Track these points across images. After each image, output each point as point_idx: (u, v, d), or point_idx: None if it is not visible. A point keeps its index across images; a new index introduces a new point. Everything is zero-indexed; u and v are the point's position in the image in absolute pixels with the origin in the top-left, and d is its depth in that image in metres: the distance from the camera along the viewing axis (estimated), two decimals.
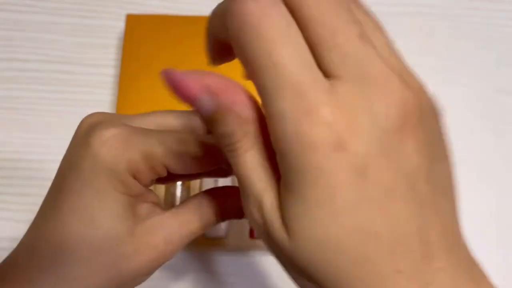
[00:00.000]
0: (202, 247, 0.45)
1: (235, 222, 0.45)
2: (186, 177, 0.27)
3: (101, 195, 0.22)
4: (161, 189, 0.45)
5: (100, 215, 0.22)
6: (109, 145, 0.21)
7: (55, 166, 0.42)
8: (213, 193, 0.24)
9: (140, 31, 0.49)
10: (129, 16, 0.50)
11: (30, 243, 0.23)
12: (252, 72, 0.15)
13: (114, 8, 0.55)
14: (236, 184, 0.19)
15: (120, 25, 0.52)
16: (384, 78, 0.16)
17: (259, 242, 0.45)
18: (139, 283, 0.24)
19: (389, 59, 0.17)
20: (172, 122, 0.25)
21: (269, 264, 0.46)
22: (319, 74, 0.16)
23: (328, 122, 0.15)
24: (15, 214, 0.46)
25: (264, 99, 0.15)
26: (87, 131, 0.23)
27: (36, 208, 0.29)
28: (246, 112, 0.17)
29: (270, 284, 0.45)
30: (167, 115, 0.25)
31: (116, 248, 0.22)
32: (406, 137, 0.16)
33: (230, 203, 0.24)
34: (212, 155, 0.22)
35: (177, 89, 0.17)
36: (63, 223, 0.22)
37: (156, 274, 0.44)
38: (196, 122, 0.25)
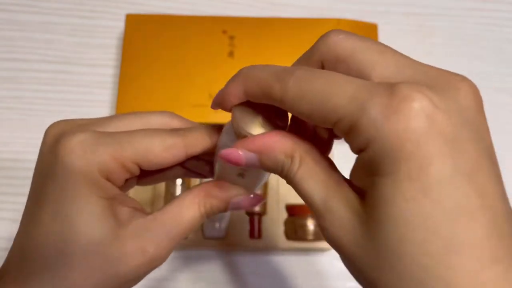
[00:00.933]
0: (201, 247, 0.45)
1: (235, 222, 0.45)
2: (162, 174, 0.27)
3: (78, 200, 0.22)
4: (161, 188, 0.45)
5: (80, 220, 0.22)
6: (77, 151, 0.22)
7: None
8: (195, 191, 0.24)
9: (139, 31, 0.49)
10: (129, 16, 0.50)
11: (20, 250, 0.23)
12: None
13: (113, 9, 0.55)
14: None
15: (120, 25, 0.52)
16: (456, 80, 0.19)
17: (259, 242, 0.45)
18: (131, 286, 0.24)
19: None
20: (136, 123, 0.25)
21: (269, 264, 0.46)
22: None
23: (420, 102, 0.16)
24: (14, 214, 0.46)
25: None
26: (53, 142, 0.23)
27: None
28: (285, 148, 0.20)
29: (270, 284, 0.45)
30: (130, 116, 0.25)
31: (103, 252, 0.22)
32: (483, 118, 0.18)
33: (212, 200, 0.24)
34: (178, 149, 0.23)
35: (230, 161, 0.21)
36: (47, 232, 0.22)
37: (156, 274, 0.45)
38: (160, 121, 0.25)
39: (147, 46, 0.49)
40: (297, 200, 0.46)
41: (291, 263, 0.46)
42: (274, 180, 0.46)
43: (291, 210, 0.45)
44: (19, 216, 0.24)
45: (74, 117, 0.48)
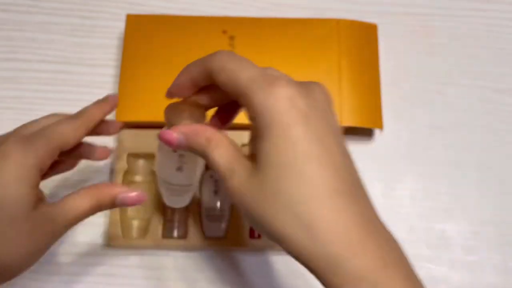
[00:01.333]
0: (201, 247, 0.45)
1: (235, 222, 0.45)
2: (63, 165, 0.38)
3: (13, 164, 0.29)
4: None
5: (10, 177, 0.28)
6: (18, 150, 0.29)
7: None
8: (89, 188, 0.32)
9: (140, 31, 0.49)
10: (129, 16, 0.50)
11: None
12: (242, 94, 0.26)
13: (113, 9, 0.55)
14: None
15: (120, 25, 0.52)
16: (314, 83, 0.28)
17: (259, 242, 0.45)
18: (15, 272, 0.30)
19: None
20: (42, 121, 0.34)
21: (269, 264, 0.46)
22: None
23: (284, 90, 0.25)
24: None
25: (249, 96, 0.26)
26: None
27: None
28: (207, 135, 0.28)
29: (270, 283, 0.45)
30: (50, 117, 0.35)
31: (16, 214, 0.28)
32: (331, 108, 0.27)
33: (100, 195, 0.32)
34: (81, 128, 0.33)
35: (164, 140, 0.29)
36: None
37: (156, 273, 0.45)
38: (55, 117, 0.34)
39: (147, 46, 0.49)
40: None
41: (291, 263, 0.46)
42: None
43: None
44: None
45: None
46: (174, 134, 0.28)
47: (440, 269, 0.47)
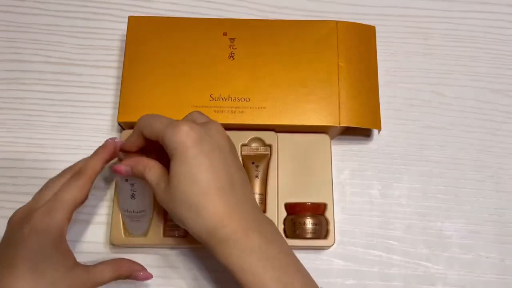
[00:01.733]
0: (202, 245, 0.45)
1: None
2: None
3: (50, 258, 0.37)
4: None
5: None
6: (39, 225, 0.37)
7: (58, 166, 0.43)
8: (115, 265, 0.41)
9: (141, 32, 0.50)
10: (131, 17, 0.50)
11: None
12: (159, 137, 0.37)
13: (116, 11, 0.56)
14: None
15: (122, 27, 0.53)
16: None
17: None
18: None
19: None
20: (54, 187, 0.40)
21: None
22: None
23: (184, 127, 0.36)
24: None
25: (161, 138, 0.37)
26: (17, 228, 0.38)
27: None
28: (144, 163, 0.39)
29: None
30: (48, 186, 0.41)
31: (57, 270, 0.37)
32: (222, 137, 0.38)
33: (122, 272, 0.41)
34: (86, 185, 0.40)
35: (116, 171, 0.40)
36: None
37: (157, 272, 0.45)
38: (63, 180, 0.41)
39: (149, 48, 0.49)
40: (296, 198, 0.46)
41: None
42: (273, 179, 0.47)
43: (290, 208, 0.46)
44: None
45: (77, 117, 0.49)
46: (122, 166, 0.40)
47: (438, 268, 0.48)
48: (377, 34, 0.52)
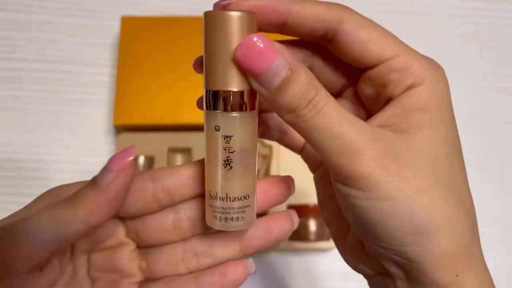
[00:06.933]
0: None
1: None
2: None
3: None
4: None
5: None
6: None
7: (55, 166, 0.42)
8: None
9: (135, 32, 0.49)
10: (124, 18, 0.50)
11: None
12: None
13: (112, 8, 0.55)
14: None
15: (117, 24, 0.52)
16: None
17: None
18: None
19: None
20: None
21: (270, 264, 0.46)
22: None
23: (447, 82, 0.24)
24: None
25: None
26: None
27: None
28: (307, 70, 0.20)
29: (270, 284, 0.45)
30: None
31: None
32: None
33: None
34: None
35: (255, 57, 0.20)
36: None
37: None
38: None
39: (143, 47, 0.49)
40: (299, 200, 0.46)
41: (292, 263, 0.46)
42: None
43: None
44: None
45: (73, 116, 0.47)
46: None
47: None
48: None
